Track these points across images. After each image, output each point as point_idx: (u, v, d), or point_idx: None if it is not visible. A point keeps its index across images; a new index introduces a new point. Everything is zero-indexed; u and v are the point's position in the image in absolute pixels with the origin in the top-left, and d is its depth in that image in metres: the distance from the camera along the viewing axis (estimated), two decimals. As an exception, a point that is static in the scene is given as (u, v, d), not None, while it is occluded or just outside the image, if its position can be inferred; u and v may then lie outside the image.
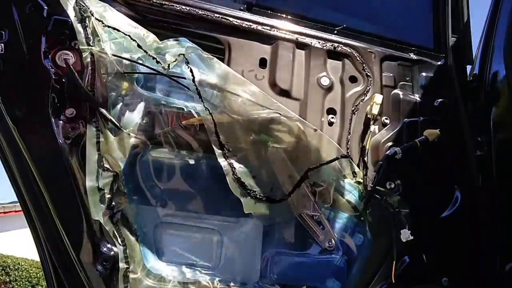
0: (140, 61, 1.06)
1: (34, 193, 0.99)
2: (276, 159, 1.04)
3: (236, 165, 1.01)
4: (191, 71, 1.03)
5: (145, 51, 1.04)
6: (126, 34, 1.04)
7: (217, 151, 1.01)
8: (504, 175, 1.17)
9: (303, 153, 1.07)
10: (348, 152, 1.14)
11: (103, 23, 1.04)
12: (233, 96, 1.05)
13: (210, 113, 1.02)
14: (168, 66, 1.06)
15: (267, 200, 1.00)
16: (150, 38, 1.06)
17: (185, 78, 1.05)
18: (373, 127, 1.16)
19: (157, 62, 1.05)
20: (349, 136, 1.16)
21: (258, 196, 0.99)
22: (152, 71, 1.05)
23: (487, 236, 1.15)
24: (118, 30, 1.04)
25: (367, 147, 1.14)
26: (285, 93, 1.15)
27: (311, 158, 1.07)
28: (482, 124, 1.21)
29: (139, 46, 1.04)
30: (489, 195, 1.18)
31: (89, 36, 1.04)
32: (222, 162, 1.00)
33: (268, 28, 1.17)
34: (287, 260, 1.04)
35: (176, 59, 1.05)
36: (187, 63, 1.04)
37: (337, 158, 1.08)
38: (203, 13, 1.13)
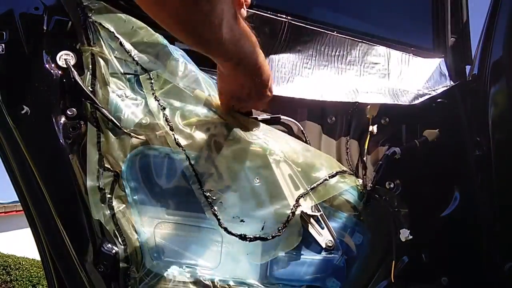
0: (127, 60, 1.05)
1: (34, 193, 1.00)
2: (262, 193, 1.02)
3: (222, 214, 0.99)
4: (166, 119, 1.01)
5: (130, 54, 1.04)
6: (112, 32, 1.04)
7: (201, 200, 0.99)
8: (503, 174, 1.17)
9: (292, 180, 1.04)
10: (347, 152, 1.15)
11: (100, 24, 1.04)
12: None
13: (191, 164, 1.00)
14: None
15: (259, 239, 0.99)
16: (141, 31, 1.05)
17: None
18: (372, 127, 1.16)
19: (142, 68, 1.04)
20: (348, 137, 1.17)
21: (248, 238, 0.99)
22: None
23: (486, 235, 1.16)
24: (112, 32, 1.04)
25: (365, 147, 1.14)
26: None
27: (303, 181, 1.04)
28: (481, 124, 1.21)
29: (124, 49, 1.04)
30: (488, 194, 1.18)
31: (90, 36, 1.04)
32: (207, 211, 0.99)
33: None
34: (286, 259, 1.04)
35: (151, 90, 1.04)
36: (163, 108, 1.02)
37: (324, 180, 1.05)
38: None
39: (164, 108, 1.02)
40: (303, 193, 1.03)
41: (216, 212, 0.99)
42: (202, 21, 0.76)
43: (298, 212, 1.02)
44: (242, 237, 0.99)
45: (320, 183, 1.05)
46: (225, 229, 0.99)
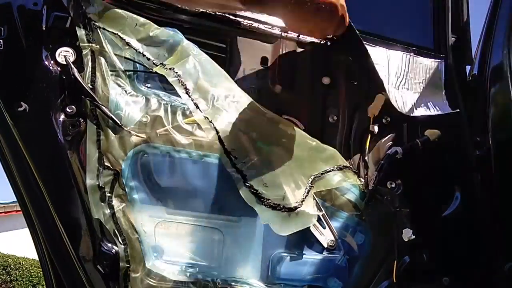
0: (134, 58, 1.04)
1: (33, 192, 0.98)
2: (280, 166, 1.01)
3: (246, 172, 0.97)
4: (183, 85, 1.01)
5: (135, 49, 1.03)
6: (115, 33, 1.03)
7: (224, 159, 0.98)
8: (503, 174, 1.18)
9: (303, 161, 1.05)
10: (349, 152, 1.14)
11: (95, 22, 1.03)
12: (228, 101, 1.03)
13: (211, 121, 1.00)
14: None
15: (282, 208, 0.97)
16: (145, 27, 1.05)
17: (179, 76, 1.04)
18: (373, 127, 1.15)
19: (148, 59, 1.04)
20: (349, 136, 1.16)
21: (273, 204, 0.97)
22: (147, 69, 1.04)
23: (487, 235, 1.16)
24: (108, 30, 1.03)
25: (366, 147, 1.14)
26: (286, 93, 1.15)
27: (313, 166, 1.05)
28: (481, 124, 1.22)
29: (127, 44, 1.03)
30: (489, 194, 1.18)
31: (89, 33, 1.03)
32: (230, 169, 0.97)
33: (270, 26, 1.17)
34: (288, 259, 1.03)
35: (164, 64, 1.03)
36: (178, 75, 1.02)
37: (337, 169, 1.07)
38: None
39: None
40: (315, 176, 1.02)
41: (241, 169, 0.96)
42: None
43: (312, 192, 1.01)
44: (265, 202, 0.96)
45: (329, 171, 1.04)
46: (250, 187, 0.96)
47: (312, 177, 1.03)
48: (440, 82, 1.26)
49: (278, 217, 0.97)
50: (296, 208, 0.98)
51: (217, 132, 1.00)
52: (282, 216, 0.97)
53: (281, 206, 0.97)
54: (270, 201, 0.97)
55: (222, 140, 0.99)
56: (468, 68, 1.33)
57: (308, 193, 1.01)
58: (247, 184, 0.97)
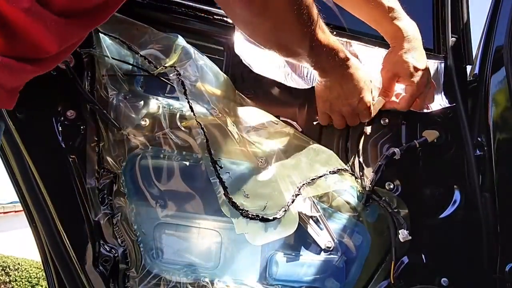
0: (134, 63, 1.05)
1: (35, 194, 1.00)
2: (270, 173, 1.03)
3: (228, 183, 0.99)
4: (182, 83, 1.02)
5: (136, 52, 1.04)
6: (116, 37, 1.04)
7: (209, 169, 0.99)
8: (503, 175, 1.17)
9: (299, 166, 1.06)
10: (347, 154, 1.15)
11: (105, 33, 1.04)
12: (227, 105, 1.04)
13: (202, 128, 1.00)
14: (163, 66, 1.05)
15: (260, 219, 0.98)
16: (145, 32, 1.06)
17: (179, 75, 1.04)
18: (367, 128, 1.15)
19: (149, 62, 1.05)
20: (349, 137, 1.16)
21: (250, 215, 0.98)
22: (145, 73, 1.05)
23: (487, 236, 1.15)
24: (109, 35, 1.04)
25: (360, 148, 1.14)
26: (286, 95, 1.15)
27: (311, 168, 1.06)
28: (482, 124, 1.21)
29: (129, 47, 1.04)
30: (489, 195, 1.18)
31: (89, 37, 1.04)
32: (213, 180, 0.99)
33: None
34: (285, 260, 1.04)
35: (166, 66, 1.04)
36: (178, 74, 1.03)
37: (331, 172, 1.07)
38: (202, 13, 1.13)
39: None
40: (305, 183, 1.03)
41: (224, 181, 0.98)
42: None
43: (297, 200, 1.02)
44: (244, 213, 0.98)
45: (321, 177, 1.05)
46: (230, 200, 0.97)
47: (301, 183, 1.04)
48: (440, 83, 1.26)
49: (253, 228, 0.99)
50: (275, 218, 0.99)
51: (207, 140, 1.00)
52: (257, 226, 0.99)
53: (260, 217, 0.99)
54: (248, 212, 0.98)
55: (210, 149, 1.00)
56: (468, 68, 1.32)
57: (293, 201, 1.01)
58: (227, 196, 0.98)
